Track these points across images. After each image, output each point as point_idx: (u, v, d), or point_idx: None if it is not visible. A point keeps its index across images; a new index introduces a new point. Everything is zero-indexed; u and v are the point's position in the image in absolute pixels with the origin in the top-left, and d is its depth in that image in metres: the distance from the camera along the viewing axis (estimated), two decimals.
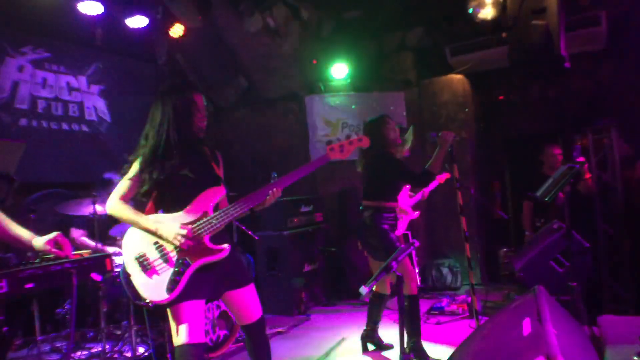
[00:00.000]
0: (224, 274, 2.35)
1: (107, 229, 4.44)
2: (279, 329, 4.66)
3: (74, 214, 4.16)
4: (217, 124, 6.97)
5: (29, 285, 2.17)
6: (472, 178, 6.25)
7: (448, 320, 4.60)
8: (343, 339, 4.31)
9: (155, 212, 2.39)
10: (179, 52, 6.47)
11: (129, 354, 3.80)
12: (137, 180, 2.32)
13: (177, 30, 5.73)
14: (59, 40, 5.46)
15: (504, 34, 5.52)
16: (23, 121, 5.10)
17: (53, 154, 5.28)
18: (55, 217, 4.51)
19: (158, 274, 2.23)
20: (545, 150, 5.12)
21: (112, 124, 5.87)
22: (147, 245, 2.28)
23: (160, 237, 2.25)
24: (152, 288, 2.21)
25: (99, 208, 4.05)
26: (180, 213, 2.29)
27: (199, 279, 2.23)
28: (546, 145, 5.15)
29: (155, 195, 2.37)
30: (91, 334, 4.16)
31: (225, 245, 2.27)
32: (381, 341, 3.94)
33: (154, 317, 3.86)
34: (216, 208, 2.35)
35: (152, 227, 2.24)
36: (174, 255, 2.25)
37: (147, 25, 5.46)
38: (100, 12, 5.05)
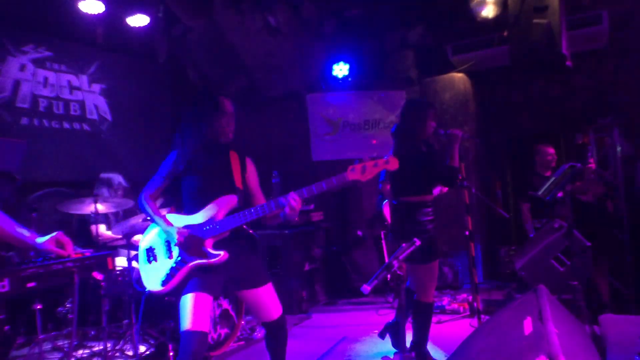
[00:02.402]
0: (235, 276, 2.44)
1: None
2: None
3: (75, 212, 4.16)
4: None
5: (31, 284, 2.17)
6: (473, 176, 6.24)
7: (449, 319, 4.60)
8: (344, 338, 4.31)
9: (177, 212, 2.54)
10: (180, 51, 6.46)
11: (130, 353, 3.80)
12: (162, 179, 2.52)
13: (178, 29, 5.72)
14: (60, 39, 5.46)
15: (505, 33, 5.51)
16: (24, 120, 5.10)
17: (54, 153, 5.28)
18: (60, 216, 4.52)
19: (158, 267, 2.42)
20: (539, 150, 5.09)
21: (113, 123, 5.86)
22: (158, 240, 2.48)
23: (166, 233, 2.41)
24: (151, 278, 2.43)
25: (100, 207, 4.05)
26: (192, 216, 2.42)
27: (204, 276, 2.33)
28: (540, 144, 5.12)
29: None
30: (93, 332, 4.16)
31: (222, 253, 2.34)
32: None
33: (155, 316, 3.87)
34: (229, 215, 2.41)
35: (162, 224, 2.42)
36: (175, 252, 2.38)
37: (148, 24, 5.46)
38: (101, 11, 5.04)
